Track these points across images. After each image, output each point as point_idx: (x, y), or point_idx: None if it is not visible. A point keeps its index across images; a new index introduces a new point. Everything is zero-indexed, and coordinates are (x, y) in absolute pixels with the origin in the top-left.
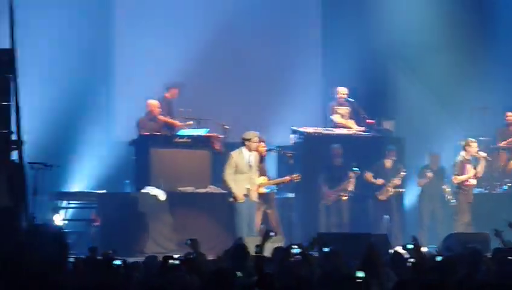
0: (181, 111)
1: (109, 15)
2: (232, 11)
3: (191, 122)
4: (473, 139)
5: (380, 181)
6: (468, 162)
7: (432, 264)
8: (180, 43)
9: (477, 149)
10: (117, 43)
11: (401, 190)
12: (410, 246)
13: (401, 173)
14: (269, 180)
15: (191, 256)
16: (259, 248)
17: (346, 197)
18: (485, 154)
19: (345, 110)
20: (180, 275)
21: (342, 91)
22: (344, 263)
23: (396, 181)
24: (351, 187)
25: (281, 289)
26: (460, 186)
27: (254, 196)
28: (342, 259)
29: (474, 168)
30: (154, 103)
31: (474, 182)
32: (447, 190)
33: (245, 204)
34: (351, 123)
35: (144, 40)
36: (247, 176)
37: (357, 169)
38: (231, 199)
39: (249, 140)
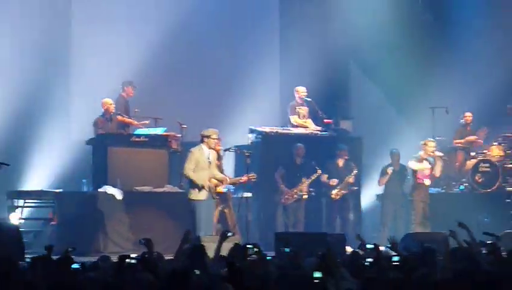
0: (136, 112)
1: (66, 14)
2: (190, 10)
3: (148, 121)
4: (431, 139)
5: (333, 181)
6: (424, 161)
7: (389, 264)
8: (138, 42)
9: (433, 149)
10: (74, 42)
11: (354, 188)
12: (369, 246)
13: (354, 171)
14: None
15: (147, 255)
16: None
17: (306, 196)
18: (441, 154)
19: (304, 109)
20: (137, 275)
21: (301, 90)
22: (303, 263)
23: (350, 179)
24: (305, 186)
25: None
26: (415, 185)
27: (215, 194)
28: (301, 259)
29: (432, 168)
30: (108, 101)
31: (428, 182)
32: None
33: (204, 203)
34: (309, 123)
35: (101, 38)
36: (207, 173)
37: (318, 168)
38: (192, 194)
39: (208, 137)
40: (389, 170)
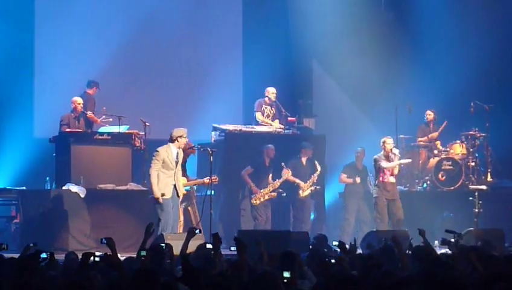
0: (104, 110)
1: (29, 9)
2: (153, 9)
3: (110, 118)
4: (389, 137)
5: (302, 184)
6: (386, 159)
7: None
8: (101, 40)
9: (392, 146)
10: (37, 39)
11: (317, 187)
12: (335, 243)
13: (318, 171)
14: (188, 180)
15: (111, 254)
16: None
17: (275, 196)
18: (396, 152)
19: (269, 110)
20: (100, 272)
21: (271, 91)
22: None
23: (315, 179)
24: (277, 185)
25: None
26: (378, 184)
27: (181, 192)
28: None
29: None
30: (77, 100)
31: (392, 179)
32: (370, 183)
33: (170, 201)
34: (276, 123)
35: (65, 35)
36: (173, 172)
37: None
38: (151, 196)
39: (181, 136)
40: (358, 179)
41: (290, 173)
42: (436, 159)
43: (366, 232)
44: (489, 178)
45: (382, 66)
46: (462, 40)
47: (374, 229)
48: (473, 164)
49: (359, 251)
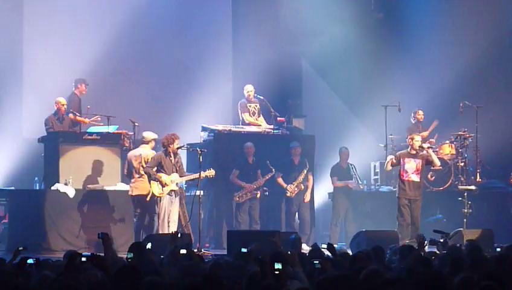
0: (88, 108)
1: (17, 11)
2: (143, 8)
3: (98, 118)
4: (417, 133)
5: (289, 187)
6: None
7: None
8: (90, 40)
9: (420, 143)
10: (25, 39)
11: (302, 186)
12: (324, 246)
13: (306, 168)
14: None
15: (105, 251)
16: None
17: (259, 195)
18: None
19: (254, 107)
20: (87, 273)
21: (249, 88)
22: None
23: (300, 178)
24: (261, 184)
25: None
26: (399, 183)
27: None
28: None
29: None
30: (61, 101)
31: (415, 178)
32: (358, 182)
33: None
34: (261, 120)
35: (54, 36)
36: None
37: (272, 167)
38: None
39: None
40: (351, 185)
41: (281, 176)
42: None
43: (355, 232)
44: (478, 178)
45: (372, 66)
46: (452, 40)
47: (363, 229)
48: (462, 164)
49: (348, 251)
